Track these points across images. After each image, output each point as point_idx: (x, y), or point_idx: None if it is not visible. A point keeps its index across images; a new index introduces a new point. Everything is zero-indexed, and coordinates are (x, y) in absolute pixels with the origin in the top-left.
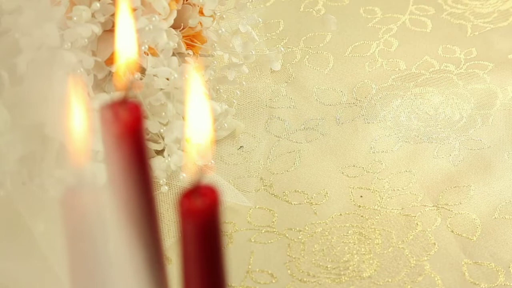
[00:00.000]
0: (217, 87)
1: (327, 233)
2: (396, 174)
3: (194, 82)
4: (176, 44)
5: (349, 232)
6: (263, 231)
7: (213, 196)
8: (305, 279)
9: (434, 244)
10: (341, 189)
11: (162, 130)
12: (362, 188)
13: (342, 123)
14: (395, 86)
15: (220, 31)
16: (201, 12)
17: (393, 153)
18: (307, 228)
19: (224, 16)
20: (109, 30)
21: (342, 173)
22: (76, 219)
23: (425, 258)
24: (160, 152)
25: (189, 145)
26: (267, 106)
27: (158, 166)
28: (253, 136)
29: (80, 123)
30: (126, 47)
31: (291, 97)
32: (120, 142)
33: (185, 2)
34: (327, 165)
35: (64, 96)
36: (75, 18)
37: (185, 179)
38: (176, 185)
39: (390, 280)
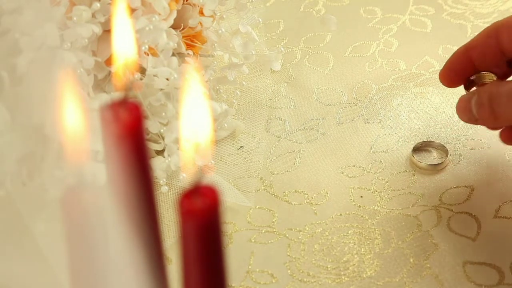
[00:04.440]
0: (217, 87)
1: (327, 233)
2: (396, 174)
3: (194, 82)
4: (176, 44)
5: (349, 232)
6: (263, 231)
7: (213, 196)
8: (305, 279)
9: (434, 244)
10: (341, 189)
11: (162, 130)
12: (362, 188)
13: (342, 123)
14: (395, 86)
15: (220, 31)
16: (201, 12)
17: (393, 153)
18: (307, 228)
19: (224, 16)
20: (109, 30)
21: (342, 173)
22: (76, 219)
23: (425, 258)
24: (160, 152)
25: (189, 145)
26: (267, 106)
27: (158, 166)
28: (253, 136)
29: (77, 122)
30: (124, 48)
31: (291, 97)
32: (120, 142)
33: (185, 2)
34: (327, 165)
35: (61, 95)
36: (75, 18)
37: (185, 179)
38: (176, 185)
39: (390, 280)
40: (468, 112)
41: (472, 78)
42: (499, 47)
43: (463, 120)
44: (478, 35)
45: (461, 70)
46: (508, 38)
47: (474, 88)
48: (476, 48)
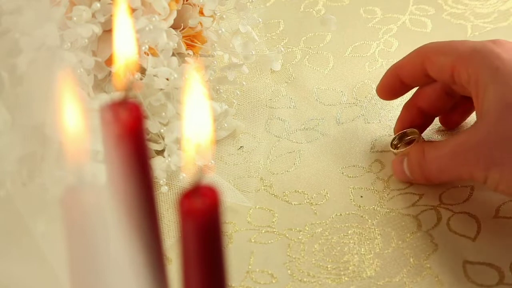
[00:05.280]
0: (217, 87)
1: (327, 233)
2: None
3: (194, 82)
4: (176, 44)
5: (349, 232)
6: (263, 231)
7: (213, 196)
8: (305, 279)
9: (434, 244)
10: (341, 189)
11: (162, 130)
12: (362, 188)
13: (342, 123)
14: None
15: (220, 31)
16: (201, 12)
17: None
18: (307, 228)
19: (224, 16)
20: (109, 30)
21: (342, 173)
22: (76, 219)
23: (425, 258)
24: (160, 152)
25: (189, 145)
26: (267, 106)
27: (158, 166)
28: (253, 136)
29: (77, 122)
30: (124, 48)
31: (291, 97)
32: (120, 142)
33: (185, 2)
34: (327, 165)
35: (61, 95)
36: (75, 18)
37: (185, 179)
38: (176, 185)
39: (390, 280)
40: (404, 175)
41: (395, 138)
42: (424, 73)
43: (401, 181)
44: (407, 56)
45: (392, 87)
46: (431, 69)
47: (400, 145)
48: (403, 69)
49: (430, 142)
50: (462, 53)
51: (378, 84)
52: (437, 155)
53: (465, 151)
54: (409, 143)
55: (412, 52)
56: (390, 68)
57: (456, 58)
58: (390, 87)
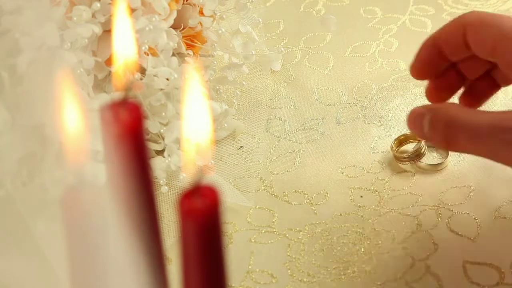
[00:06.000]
0: (217, 87)
1: (327, 233)
2: (396, 174)
3: (194, 82)
4: (176, 44)
5: (349, 232)
6: (263, 231)
7: (213, 196)
8: (305, 279)
9: (434, 244)
10: (341, 189)
11: (162, 130)
12: (362, 188)
13: (342, 123)
14: (395, 86)
15: (220, 31)
16: (201, 12)
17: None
18: (307, 228)
19: (224, 16)
20: (109, 30)
21: (342, 173)
22: (76, 219)
23: (425, 258)
24: (160, 152)
25: (189, 145)
26: (267, 106)
27: (158, 166)
28: (253, 136)
29: (77, 122)
30: (124, 48)
31: (291, 97)
32: (120, 142)
33: (185, 2)
34: (327, 165)
35: (61, 95)
36: (75, 18)
37: (185, 179)
38: (176, 185)
39: (390, 280)
40: (419, 129)
41: (396, 140)
42: (465, 42)
43: (411, 131)
44: (445, 26)
45: (429, 61)
46: (472, 39)
47: (401, 149)
48: (442, 37)
49: (464, 106)
50: (509, 33)
51: (413, 61)
52: (476, 123)
53: (509, 129)
54: (415, 151)
55: (451, 21)
56: (425, 40)
57: (499, 36)
58: (427, 61)
